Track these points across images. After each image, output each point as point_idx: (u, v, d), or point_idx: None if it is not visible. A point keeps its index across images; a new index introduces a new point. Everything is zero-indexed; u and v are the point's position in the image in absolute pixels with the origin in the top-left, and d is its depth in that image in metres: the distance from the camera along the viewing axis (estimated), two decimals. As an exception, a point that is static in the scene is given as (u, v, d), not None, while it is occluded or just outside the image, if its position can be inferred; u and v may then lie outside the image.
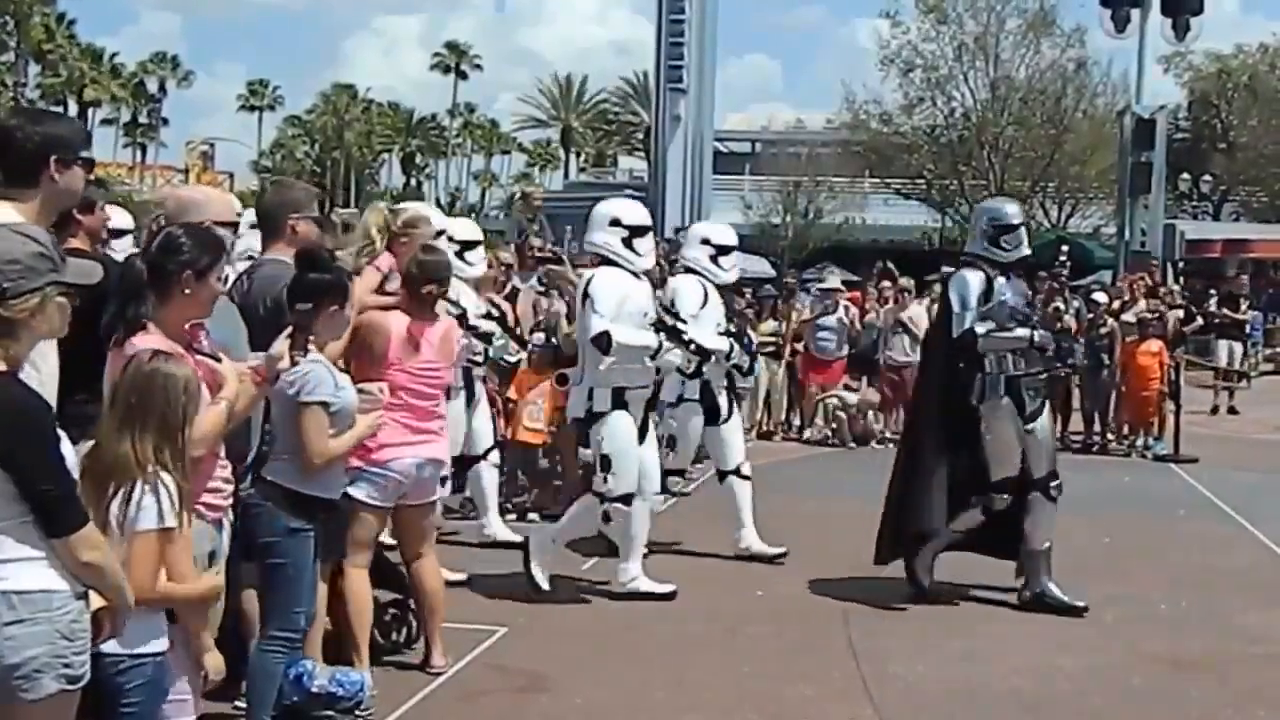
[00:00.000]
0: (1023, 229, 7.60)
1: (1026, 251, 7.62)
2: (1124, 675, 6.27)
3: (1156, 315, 14.66)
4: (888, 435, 14.63)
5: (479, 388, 8.32)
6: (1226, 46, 44.97)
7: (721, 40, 30.08)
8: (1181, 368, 15.05)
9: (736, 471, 8.62)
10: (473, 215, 66.48)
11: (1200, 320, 18.22)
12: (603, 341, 6.94)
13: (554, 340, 9.72)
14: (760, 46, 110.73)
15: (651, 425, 7.47)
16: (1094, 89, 37.83)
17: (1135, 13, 24.87)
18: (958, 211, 38.25)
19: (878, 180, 42.69)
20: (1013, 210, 7.75)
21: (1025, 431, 7.29)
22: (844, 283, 17.30)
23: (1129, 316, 15.00)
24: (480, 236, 8.67)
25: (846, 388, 14.77)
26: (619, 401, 7.12)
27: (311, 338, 4.72)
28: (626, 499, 7.13)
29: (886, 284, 15.44)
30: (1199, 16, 24.89)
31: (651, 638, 6.77)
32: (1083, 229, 37.37)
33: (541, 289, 10.48)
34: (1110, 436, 14.81)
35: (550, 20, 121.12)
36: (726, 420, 8.65)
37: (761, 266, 29.06)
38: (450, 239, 7.44)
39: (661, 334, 7.25)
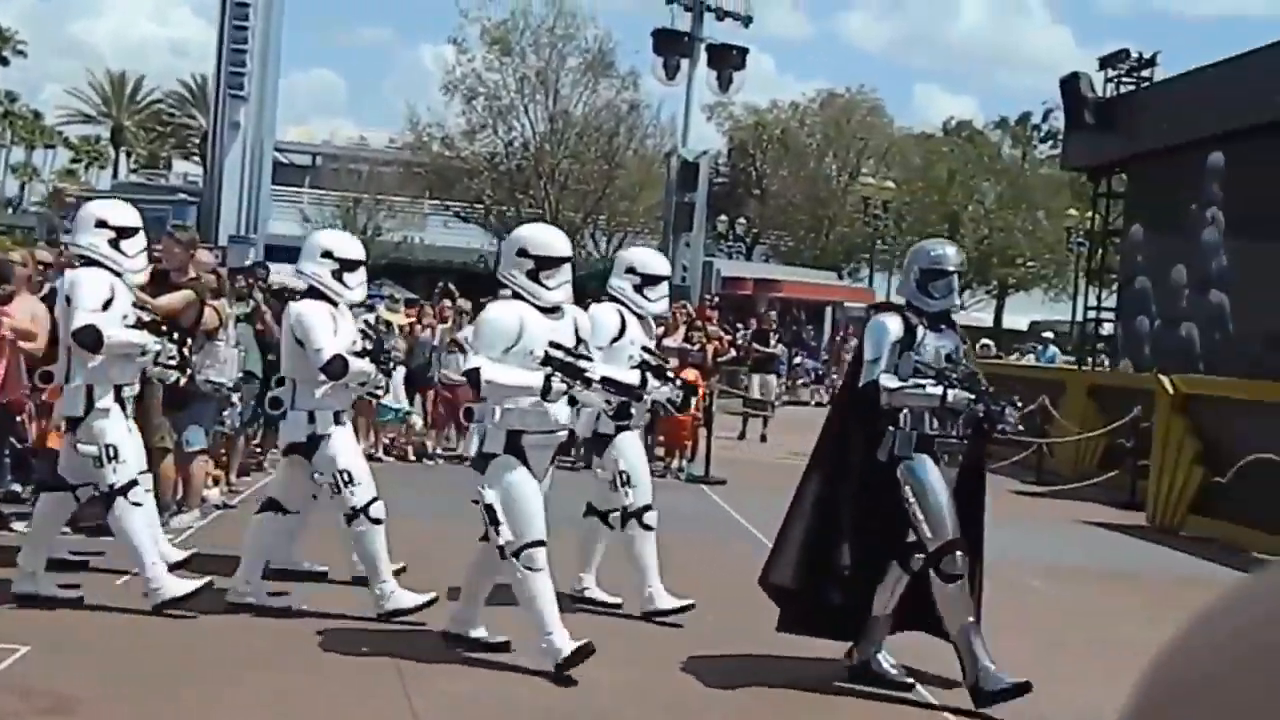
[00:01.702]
0: (955, 277, 6.64)
1: (955, 302, 6.69)
2: (660, 688, 6.43)
3: (698, 346, 15.34)
4: (439, 453, 14.67)
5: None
6: (763, 101, 48.03)
7: (286, 51, 29.25)
8: (715, 396, 15.85)
9: (602, 516, 7.86)
10: (10, 210, 62.02)
11: (734, 352, 19.28)
12: (471, 378, 6.20)
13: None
14: (325, 61, 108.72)
15: (548, 474, 6.52)
16: (645, 130, 39.44)
17: (685, 63, 26.01)
18: (514, 237, 38.79)
19: (438, 202, 42.78)
20: (950, 254, 6.72)
21: None
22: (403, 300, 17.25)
23: (669, 343, 15.65)
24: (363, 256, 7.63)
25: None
26: (513, 446, 6.31)
27: None
28: (536, 545, 6.25)
29: (446, 303, 15.43)
30: (741, 71, 26.33)
31: (189, 657, 6.42)
32: (629, 261, 38.74)
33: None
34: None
35: (104, 12, 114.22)
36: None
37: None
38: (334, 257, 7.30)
39: (555, 374, 6.19)
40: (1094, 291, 25.38)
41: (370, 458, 14.64)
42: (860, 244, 43.56)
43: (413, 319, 15.75)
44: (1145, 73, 23.02)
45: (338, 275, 7.27)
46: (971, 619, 6.30)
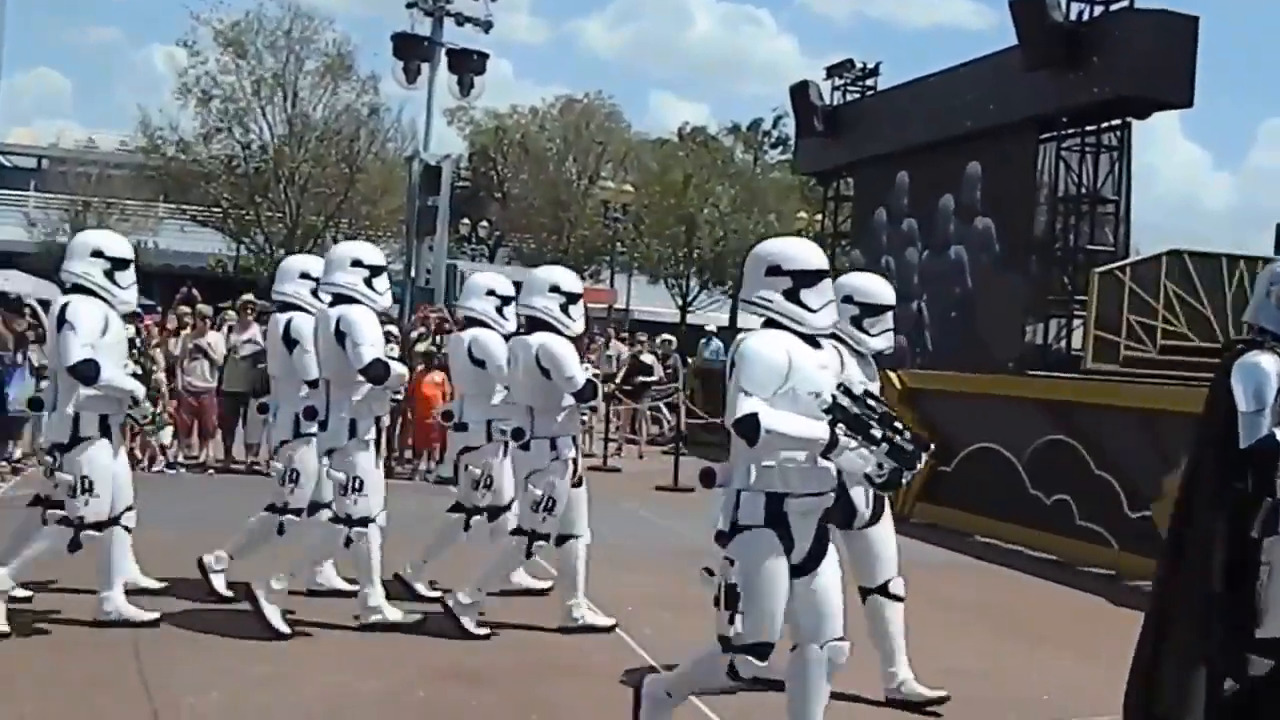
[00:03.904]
0: None
1: None
2: (413, 691, 6.34)
3: (443, 349, 15.20)
4: (181, 460, 14.25)
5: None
6: (504, 106, 47.99)
7: (7, 50, 27.71)
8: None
9: (884, 590, 6.44)
10: None
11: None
12: (747, 427, 4.72)
13: None
14: (49, 60, 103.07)
15: (832, 553, 5.06)
16: (386, 134, 38.93)
17: (425, 67, 25.74)
18: (253, 241, 37.84)
19: (173, 206, 41.30)
20: None
21: None
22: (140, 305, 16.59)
23: (421, 348, 15.51)
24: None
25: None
26: (775, 513, 4.90)
27: None
28: (761, 650, 4.86)
29: (185, 309, 14.95)
30: (481, 76, 26.19)
31: None
32: (373, 265, 38.24)
33: None
34: (395, 463, 15.20)
35: None
36: (871, 522, 6.37)
37: (51, 290, 27.08)
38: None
39: (840, 425, 4.86)
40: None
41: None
42: (600, 246, 43.94)
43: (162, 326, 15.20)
44: (869, 81, 23.96)
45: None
46: None
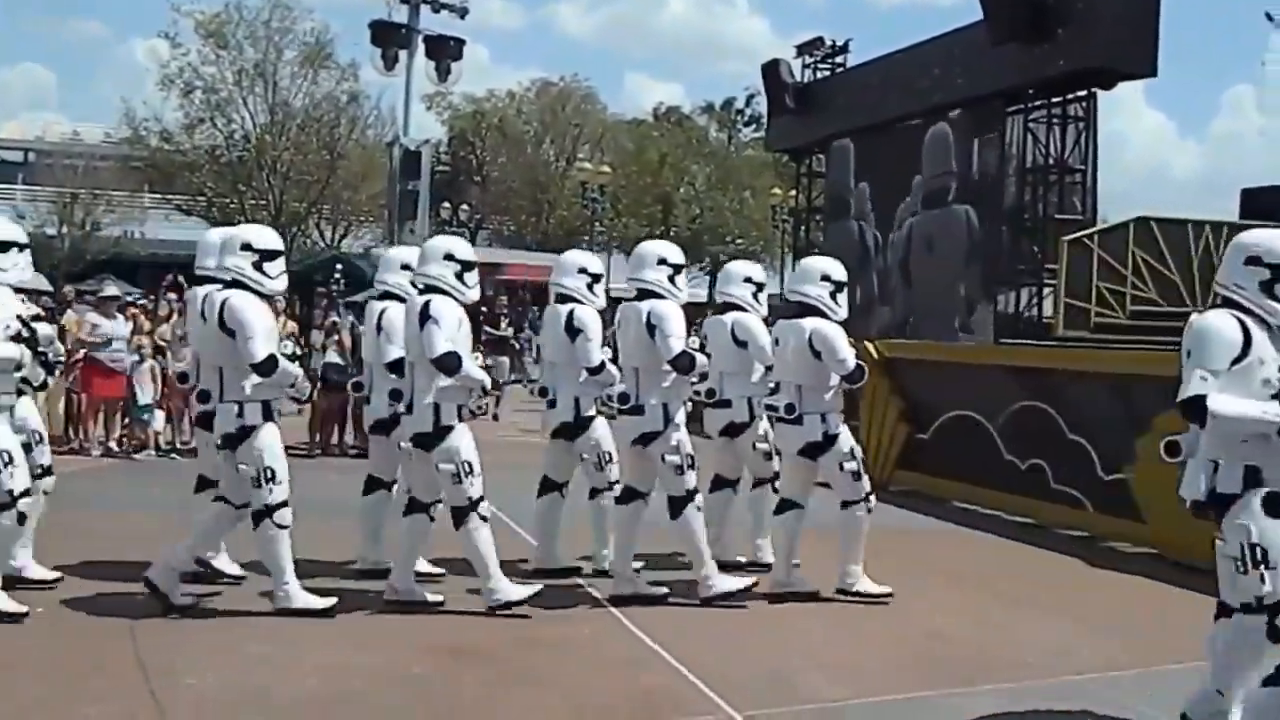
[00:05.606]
0: None
1: None
2: (408, 666, 6.31)
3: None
4: (179, 445, 14.18)
5: None
6: (481, 91, 47.80)
7: (-9, 44, 27.48)
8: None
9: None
10: None
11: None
12: (1193, 409, 4.68)
13: None
14: (33, 55, 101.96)
15: None
16: (366, 120, 38.75)
17: (403, 53, 25.58)
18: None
19: (158, 196, 41.07)
20: None
21: None
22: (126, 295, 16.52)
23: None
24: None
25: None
26: (1253, 483, 4.73)
27: None
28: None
29: (174, 296, 14.86)
30: (458, 62, 26.03)
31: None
32: (355, 249, 38.12)
33: None
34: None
35: None
36: None
37: (37, 280, 26.91)
38: None
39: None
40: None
41: (110, 453, 14.06)
42: (579, 226, 43.84)
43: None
44: (839, 59, 23.89)
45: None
46: None
